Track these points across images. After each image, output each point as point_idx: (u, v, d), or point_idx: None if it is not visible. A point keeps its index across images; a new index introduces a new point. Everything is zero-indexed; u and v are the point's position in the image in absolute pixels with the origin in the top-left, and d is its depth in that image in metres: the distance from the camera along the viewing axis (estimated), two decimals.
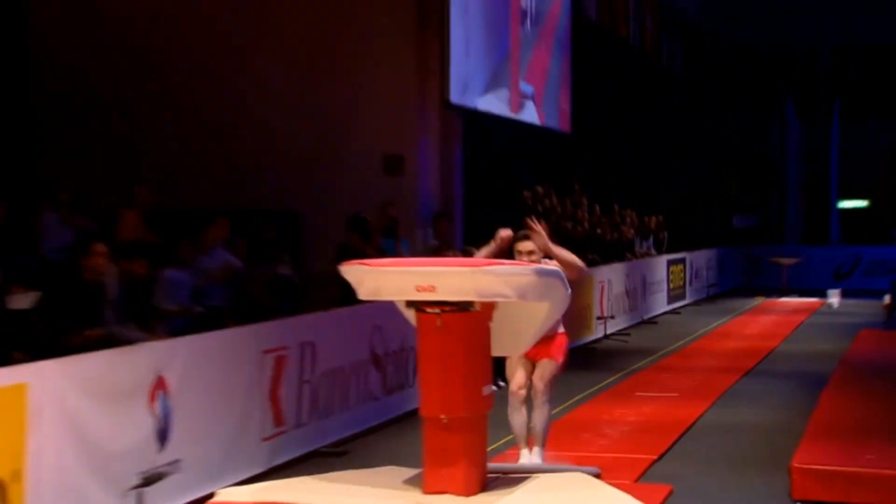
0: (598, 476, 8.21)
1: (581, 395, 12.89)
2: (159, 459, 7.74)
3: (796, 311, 23.24)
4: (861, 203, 32.73)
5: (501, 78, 17.68)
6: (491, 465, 7.74)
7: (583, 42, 21.84)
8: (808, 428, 9.99)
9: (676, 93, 29.80)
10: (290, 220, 14.81)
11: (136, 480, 7.42)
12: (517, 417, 8.89)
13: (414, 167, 15.97)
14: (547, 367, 8.76)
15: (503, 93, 17.86)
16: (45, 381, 6.82)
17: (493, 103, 17.49)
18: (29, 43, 15.90)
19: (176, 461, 7.89)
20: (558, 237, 18.51)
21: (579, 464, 8.79)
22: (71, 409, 6.99)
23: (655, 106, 28.29)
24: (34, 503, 6.58)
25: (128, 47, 15.61)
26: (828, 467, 8.56)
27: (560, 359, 8.84)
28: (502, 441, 9.90)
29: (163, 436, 7.84)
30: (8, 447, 6.45)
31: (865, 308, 22.73)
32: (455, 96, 15.91)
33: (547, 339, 8.57)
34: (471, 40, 16.36)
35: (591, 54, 22.73)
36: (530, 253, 8.56)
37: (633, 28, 25.55)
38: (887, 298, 21.23)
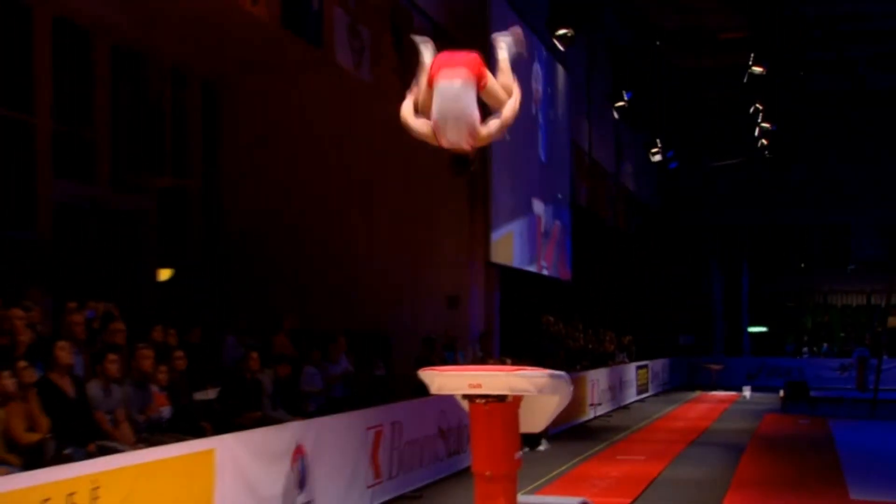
0: None
1: (579, 458, 12.74)
2: (299, 500, 7.75)
3: (721, 401, 22.91)
4: (763, 328, 32.41)
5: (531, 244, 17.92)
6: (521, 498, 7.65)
7: (578, 221, 22.02)
8: (733, 481, 9.87)
9: (640, 254, 29.90)
10: (383, 339, 14.82)
11: None
12: None
13: (466, 303, 15.98)
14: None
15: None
16: (225, 447, 6.88)
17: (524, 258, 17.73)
18: (220, 230, 16.26)
19: (310, 502, 7.89)
20: (563, 351, 18.62)
21: None
22: (242, 465, 7.03)
23: (625, 262, 28.36)
24: None
25: (283, 229, 15.86)
26: None
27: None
28: (529, 488, 9.82)
29: (301, 484, 7.83)
30: (202, 491, 6.51)
31: (768, 399, 22.36)
32: (494, 257, 16.04)
33: None
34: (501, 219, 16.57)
35: (583, 228, 22.89)
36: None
37: (610, 211, 25.71)
38: (782, 392, 20.95)
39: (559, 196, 20.08)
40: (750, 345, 31.68)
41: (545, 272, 19.16)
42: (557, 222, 20.00)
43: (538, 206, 18.44)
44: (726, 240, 33.34)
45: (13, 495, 5.02)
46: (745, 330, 31.82)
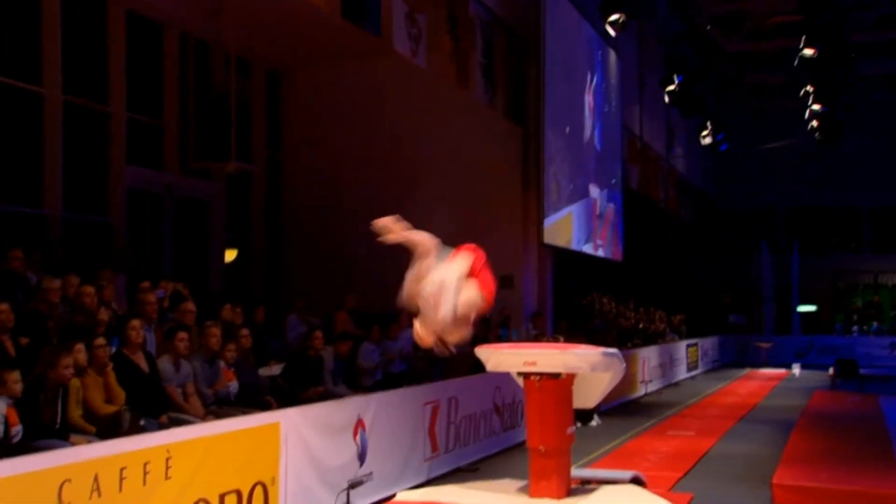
0: (638, 478, 8.01)
1: (631, 433, 12.64)
2: (359, 472, 7.78)
3: (771, 378, 22.54)
4: (812, 308, 31.83)
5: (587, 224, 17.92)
6: (574, 472, 7.63)
7: (629, 203, 21.86)
8: (783, 456, 9.70)
9: (690, 236, 29.56)
10: None
11: (345, 485, 7.50)
12: None
13: (520, 283, 15.96)
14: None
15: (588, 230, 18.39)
16: (290, 420, 6.93)
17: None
18: (282, 214, 16.39)
19: (370, 473, 7.93)
20: (615, 330, 18.51)
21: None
22: (306, 439, 7.08)
23: (676, 244, 28.06)
24: (284, 498, 6.67)
25: (342, 212, 15.92)
26: (797, 483, 8.29)
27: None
28: (581, 462, 9.79)
29: (361, 457, 7.87)
30: (268, 462, 6.58)
31: (817, 377, 21.94)
32: (546, 239, 16.00)
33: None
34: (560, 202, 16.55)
35: (634, 211, 22.72)
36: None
37: (661, 194, 25.45)
38: (832, 370, 20.59)
39: (612, 181, 20.44)
40: (800, 324, 31.20)
41: (600, 251, 19.25)
42: (611, 205, 20.28)
43: (594, 191, 18.83)
44: (776, 221, 32.89)
45: (94, 463, 5.13)
46: (795, 309, 31.32)
